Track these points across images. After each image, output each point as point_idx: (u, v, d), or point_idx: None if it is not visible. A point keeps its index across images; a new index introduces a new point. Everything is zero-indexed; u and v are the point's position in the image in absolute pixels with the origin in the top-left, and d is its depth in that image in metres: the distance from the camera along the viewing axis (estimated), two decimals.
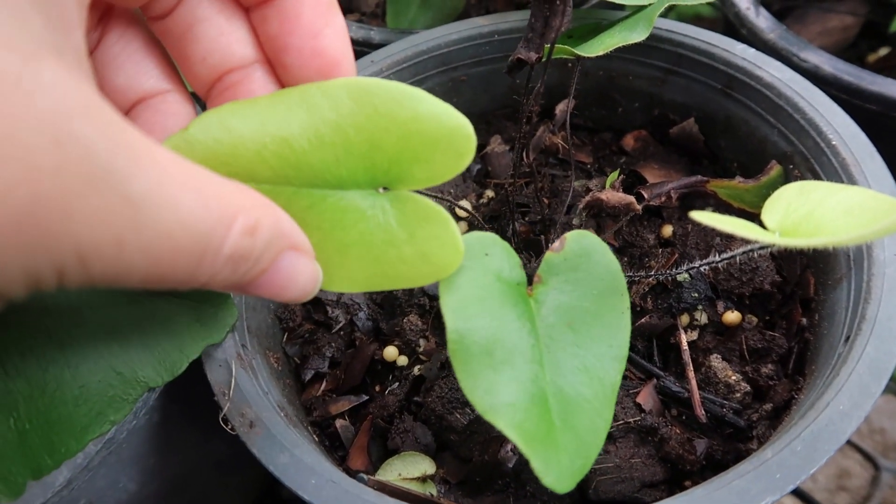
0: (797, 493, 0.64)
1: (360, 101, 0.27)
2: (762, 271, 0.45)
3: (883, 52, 0.65)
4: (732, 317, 0.45)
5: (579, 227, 0.49)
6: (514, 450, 0.40)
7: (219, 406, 0.38)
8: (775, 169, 0.47)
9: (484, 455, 0.40)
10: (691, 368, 0.43)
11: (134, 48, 0.30)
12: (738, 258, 0.36)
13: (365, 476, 0.39)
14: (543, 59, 0.43)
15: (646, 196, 0.48)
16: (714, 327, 0.45)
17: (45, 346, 0.31)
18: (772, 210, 0.33)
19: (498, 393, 0.27)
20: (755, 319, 0.45)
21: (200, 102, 0.33)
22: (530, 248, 0.48)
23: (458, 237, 0.28)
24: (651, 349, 0.45)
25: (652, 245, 0.49)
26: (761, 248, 0.34)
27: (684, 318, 0.45)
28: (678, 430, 0.40)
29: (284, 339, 0.50)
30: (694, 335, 0.45)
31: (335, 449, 0.45)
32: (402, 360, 0.46)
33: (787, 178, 0.48)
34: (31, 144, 0.17)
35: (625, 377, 0.44)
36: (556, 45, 0.43)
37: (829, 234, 0.30)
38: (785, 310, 0.46)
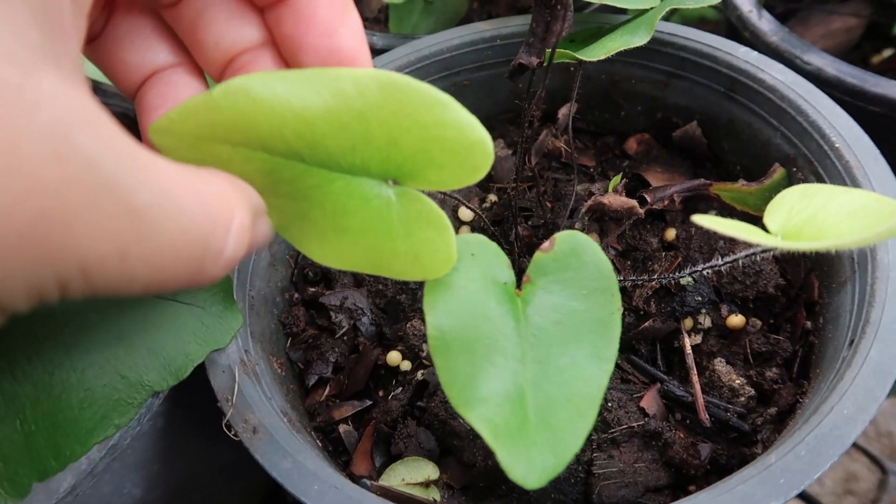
0: (804, 496, 0.64)
1: (388, 95, 0.27)
2: (766, 274, 0.44)
3: (887, 53, 0.64)
4: (736, 320, 0.44)
5: (582, 230, 0.49)
6: None
7: (222, 412, 0.38)
8: (778, 172, 0.47)
9: (487, 460, 0.40)
10: (695, 372, 0.43)
11: (142, 26, 0.31)
12: (741, 261, 0.36)
13: (368, 482, 0.39)
14: (545, 64, 0.43)
15: (649, 200, 0.48)
16: (718, 331, 0.45)
17: (52, 351, 0.32)
18: (774, 213, 0.33)
19: (474, 388, 0.28)
20: (759, 323, 0.45)
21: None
22: (533, 252, 0.48)
23: (453, 247, 0.29)
24: (655, 353, 0.45)
25: (655, 248, 0.49)
26: (764, 251, 0.34)
27: (688, 322, 0.45)
28: (682, 435, 0.40)
29: (288, 345, 0.50)
30: (698, 339, 0.45)
31: (339, 454, 0.45)
32: (406, 365, 0.46)
33: (790, 181, 0.48)
34: (35, 157, 0.17)
35: (628, 381, 0.43)
36: (558, 50, 0.43)
37: (831, 237, 0.30)
38: (789, 313, 0.45)
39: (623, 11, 0.49)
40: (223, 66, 0.31)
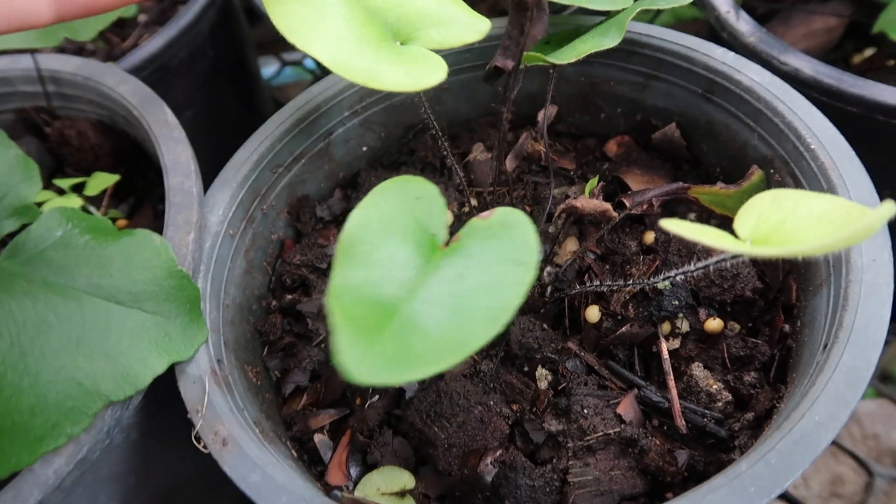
0: (790, 500, 0.64)
1: None
2: (743, 278, 0.44)
3: (868, 52, 0.64)
4: (714, 324, 0.44)
5: (556, 234, 0.49)
6: (494, 463, 0.39)
7: (191, 424, 0.38)
8: (756, 174, 0.47)
9: (463, 469, 0.40)
10: (671, 378, 0.42)
11: None
12: (719, 265, 0.35)
13: (339, 493, 0.39)
14: (522, 67, 0.43)
15: (627, 204, 0.47)
16: (696, 335, 0.45)
17: (6, 353, 0.31)
18: (745, 219, 0.33)
19: (356, 288, 0.28)
20: (737, 326, 0.45)
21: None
22: None
23: (435, 74, 0.37)
24: (632, 358, 0.45)
25: (634, 252, 0.48)
26: (734, 256, 0.34)
27: (665, 327, 0.45)
28: (659, 442, 0.40)
29: (265, 353, 0.50)
30: (676, 343, 0.45)
31: (314, 464, 0.44)
32: None
33: (768, 183, 0.47)
34: None
35: (605, 387, 0.43)
36: (530, 53, 0.42)
37: (799, 242, 0.29)
38: (768, 316, 0.45)
39: (598, 13, 0.49)
40: None
